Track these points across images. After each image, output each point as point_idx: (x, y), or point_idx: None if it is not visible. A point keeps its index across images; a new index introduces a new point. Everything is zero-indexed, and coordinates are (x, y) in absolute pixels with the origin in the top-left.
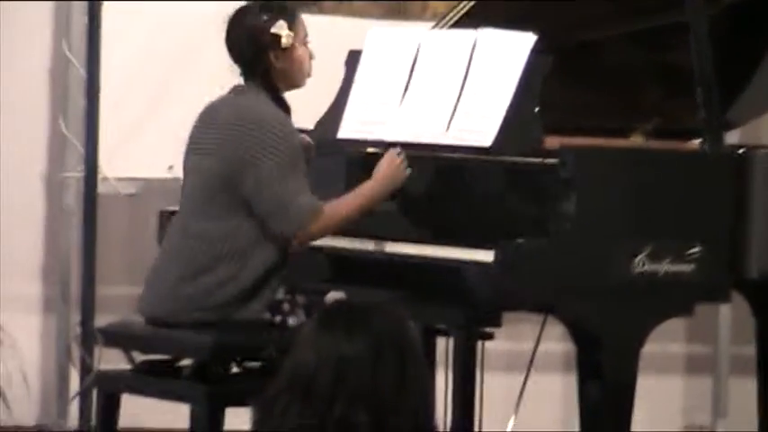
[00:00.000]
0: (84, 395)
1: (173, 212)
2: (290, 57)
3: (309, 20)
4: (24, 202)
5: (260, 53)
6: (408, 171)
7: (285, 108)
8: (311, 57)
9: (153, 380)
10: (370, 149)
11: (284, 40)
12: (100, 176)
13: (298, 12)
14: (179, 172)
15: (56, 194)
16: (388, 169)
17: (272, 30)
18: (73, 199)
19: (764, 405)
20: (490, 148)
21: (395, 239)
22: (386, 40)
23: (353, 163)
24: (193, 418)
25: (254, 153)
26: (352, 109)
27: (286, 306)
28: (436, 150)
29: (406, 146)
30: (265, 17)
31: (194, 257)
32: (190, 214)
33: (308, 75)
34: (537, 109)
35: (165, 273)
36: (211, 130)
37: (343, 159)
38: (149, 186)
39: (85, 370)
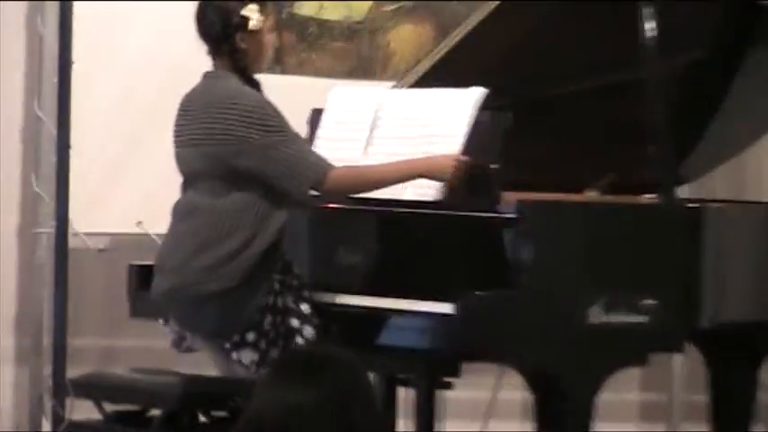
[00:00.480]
0: None
1: (143, 266)
2: (257, 40)
3: (273, 79)
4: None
5: (228, 31)
6: (450, 177)
7: (256, 87)
8: (274, 45)
9: (123, 429)
10: (332, 205)
11: (253, 23)
12: (71, 231)
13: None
14: (148, 227)
15: (28, 249)
16: (439, 163)
17: (243, 11)
18: (45, 253)
19: None
20: (441, 202)
21: (356, 292)
22: (347, 99)
23: (316, 219)
24: None
25: (240, 131)
26: None
27: (277, 286)
28: (397, 206)
29: (366, 201)
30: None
31: (203, 232)
32: (194, 194)
33: (269, 62)
34: (495, 165)
35: (174, 250)
36: (190, 118)
37: (308, 215)
38: (119, 241)
39: (57, 420)
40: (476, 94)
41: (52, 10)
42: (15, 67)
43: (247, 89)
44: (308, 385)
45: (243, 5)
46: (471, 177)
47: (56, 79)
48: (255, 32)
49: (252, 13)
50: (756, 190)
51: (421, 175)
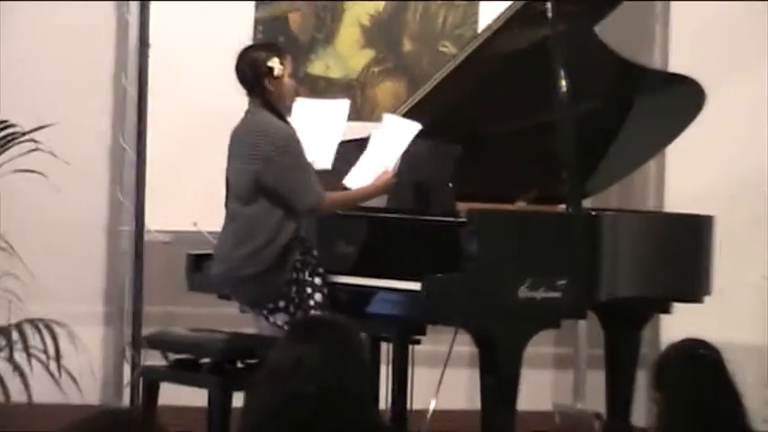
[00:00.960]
0: (133, 383)
1: (197, 255)
2: (280, 83)
3: None
4: (92, 248)
5: (258, 78)
6: (394, 181)
7: (283, 119)
8: (295, 89)
9: (182, 373)
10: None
11: (276, 71)
12: (145, 229)
13: (287, 51)
14: (201, 226)
15: (114, 242)
16: (380, 180)
17: (268, 63)
18: (126, 245)
19: (611, 391)
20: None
21: (349, 273)
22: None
23: (322, 220)
24: (210, 399)
25: (269, 154)
26: None
27: (298, 264)
28: (381, 212)
29: (359, 208)
30: (264, 53)
31: (240, 232)
32: (235, 203)
33: (292, 101)
34: (450, 184)
35: (223, 244)
36: (236, 143)
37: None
38: (180, 236)
39: (134, 366)
40: (412, 129)
41: (132, 61)
42: (103, 111)
43: (275, 121)
44: (311, 341)
45: (269, 58)
46: (432, 191)
47: (135, 117)
48: (279, 78)
49: (275, 64)
50: (640, 202)
51: (380, 194)
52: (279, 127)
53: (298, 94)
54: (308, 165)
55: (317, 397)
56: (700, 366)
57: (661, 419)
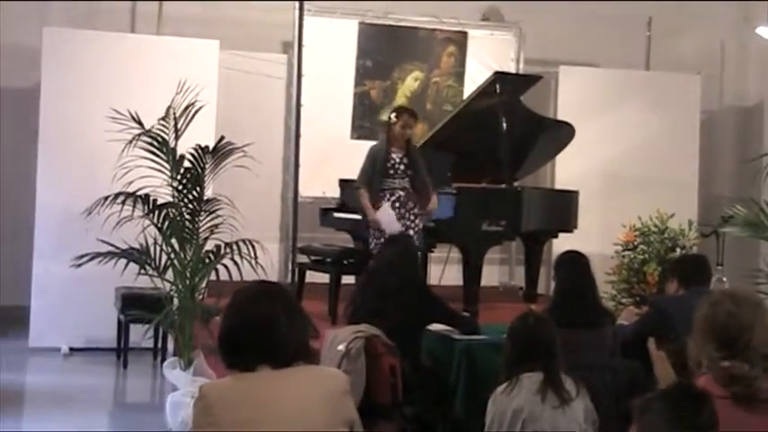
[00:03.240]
0: (293, 270)
1: (325, 209)
2: (392, 130)
3: (365, 142)
4: (272, 206)
5: (386, 124)
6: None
7: (388, 147)
8: (403, 136)
9: (317, 265)
10: None
11: (391, 121)
12: (299, 196)
13: (407, 114)
14: (327, 193)
15: (284, 202)
16: (373, 215)
17: (390, 115)
18: (290, 204)
19: (527, 276)
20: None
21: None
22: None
23: None
24: (330, 279)
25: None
26: None
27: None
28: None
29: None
30: (394, 111)
31: None
32: None
33: (398, 142)
34: (449, 173)
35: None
36: None
37: None
38: (316, 199)
39: (293, 262)
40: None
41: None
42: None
43: (378, 143)
44: (392, 246)
45: (392, 113)
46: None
47: (294, 144)
48: (392, 125)
49: (392, 116)
50: (542, 182)
51: (369, 217)
52: (375, 145)
53: (403, 138)
54: (366, 164)
55: (395, 269)
56: (575, 263)
57: (555, 292)
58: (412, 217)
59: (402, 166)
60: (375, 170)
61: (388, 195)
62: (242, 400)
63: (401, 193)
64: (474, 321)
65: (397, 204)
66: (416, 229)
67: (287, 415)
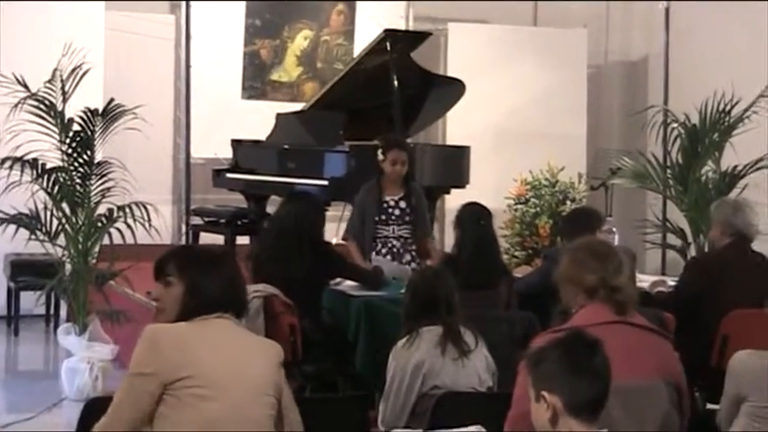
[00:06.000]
0: (186, 232)
1: (218, 169)
2: (383, 170)
3: (264, 104)
4: (164, 167)
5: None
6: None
7: (379, 181)
8: (397, 174)
9: (210, 227)
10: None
11: (380, 157)
12: (191, 157)
13: (394, 145)
14: (219, 154)
15: (176, 164)
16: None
17: (379, 151)
18: (182, 165)
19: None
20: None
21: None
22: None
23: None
24: (225, 240)
25: None
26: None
27: None
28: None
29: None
30: (379, 148)
31: None
32: None
33: (390, 178)
34: (341, 131)
35: None
36: None
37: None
38: (208, 161)
39: (187, 224)
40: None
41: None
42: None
43: (369, 181)
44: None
45: (381, 147)
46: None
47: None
48: (381, 162)
49: (379, 154)
50: (432, 139)
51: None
52: (366, 185)
53: (397, 176)
54: (353, 210)
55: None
56: (479, 218)
57: (456, 247)
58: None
59: (398, 211)
60: (364, 218)
61: (379, 246)
62: (189, 343)
63: (395, 243)
64: (378, 276)
65: (389, 257)
66: None
67: (228, 365)
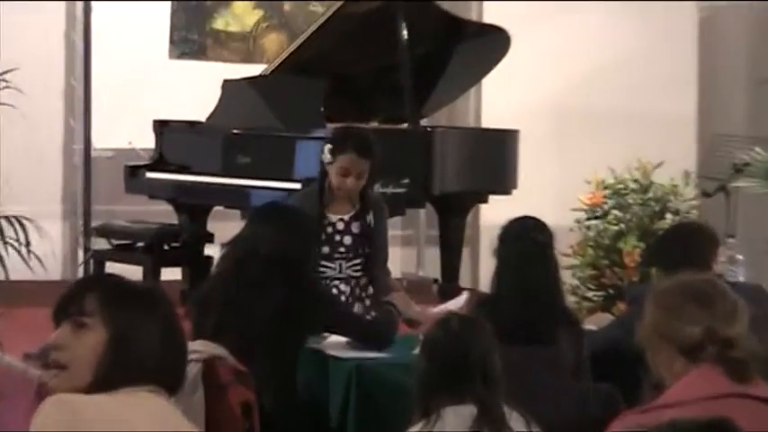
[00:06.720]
0: (86, 262)
1: (132, 166)
2: (327, 175)
3: (202, 65)
4: (52, 163)
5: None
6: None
7: (321, 190)
8: (346, 188)
9: (123, 253)
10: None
11: (325, 159)
12: (92, 148)
13: (353, 142)
14: (135, 144)
15: (68, 158)
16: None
17: (323, 147)
18: (78, 160)
19: (444, 262)
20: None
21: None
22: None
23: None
24: (144, 274)
25: None
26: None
27: None
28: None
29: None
30: (328, 143)
31: None
32: None
33: (338, 199)
34: (321, 108)
35: None
36: None
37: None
38: (118, 153)
39: (86, 249)
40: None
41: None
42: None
43: (310, 188)
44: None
45: (329, 148)
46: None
47: (82, 64)
48: (327, 167)
49: (326, 151)
50: (461, 121)
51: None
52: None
53: (347, 191)
54: None
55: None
56: (529, 241)
57: (495, 282)
58: None
59: (348, 238)
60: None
61: None
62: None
63: (343, 287)
64: (387, 325)
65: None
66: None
67: None
